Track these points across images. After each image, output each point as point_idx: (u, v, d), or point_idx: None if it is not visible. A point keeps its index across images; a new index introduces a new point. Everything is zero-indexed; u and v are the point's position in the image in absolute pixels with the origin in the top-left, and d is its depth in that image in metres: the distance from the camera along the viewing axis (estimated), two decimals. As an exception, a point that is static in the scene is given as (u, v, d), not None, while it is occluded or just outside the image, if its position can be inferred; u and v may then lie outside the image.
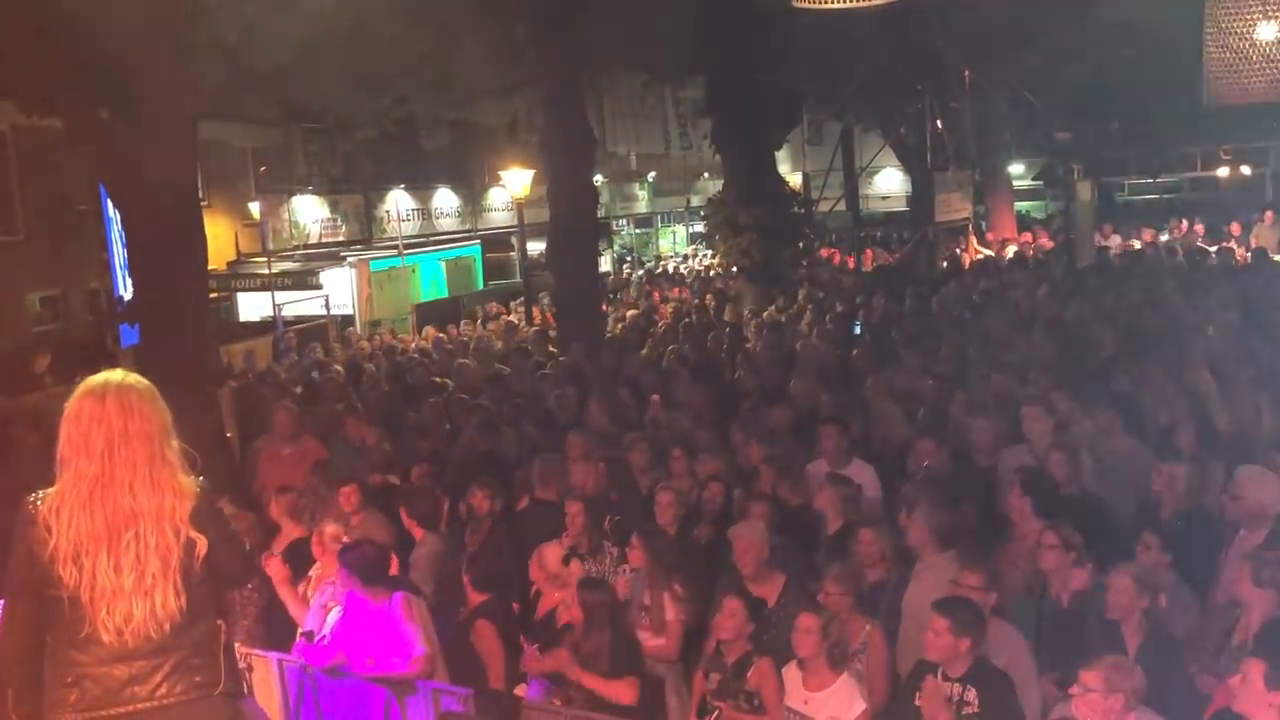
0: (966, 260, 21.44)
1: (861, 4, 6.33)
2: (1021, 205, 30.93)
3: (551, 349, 13.88)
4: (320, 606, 5.99)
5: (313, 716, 5.82)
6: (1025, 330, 11.11)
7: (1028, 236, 23.74)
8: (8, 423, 10.00)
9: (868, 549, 5.97)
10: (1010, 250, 21.88)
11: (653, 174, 37.45)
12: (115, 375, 3.41)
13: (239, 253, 23.43)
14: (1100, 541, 5.89)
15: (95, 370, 11.51)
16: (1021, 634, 5.21)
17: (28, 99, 10.39)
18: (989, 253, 21.65)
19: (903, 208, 32.00)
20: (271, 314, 19.13)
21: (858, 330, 13.03)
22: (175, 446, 3.38)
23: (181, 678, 3.30)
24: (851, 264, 22.33)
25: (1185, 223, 22.82)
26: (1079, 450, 6.84)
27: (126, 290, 14.75)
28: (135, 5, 8.77)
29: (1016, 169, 27.88)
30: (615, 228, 32.74)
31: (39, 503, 3.28)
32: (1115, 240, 21.72)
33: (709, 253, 26.88)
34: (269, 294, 19.63)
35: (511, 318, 18.84)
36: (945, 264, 20.83)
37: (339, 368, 13.43)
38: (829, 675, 5.07)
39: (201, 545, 3.30)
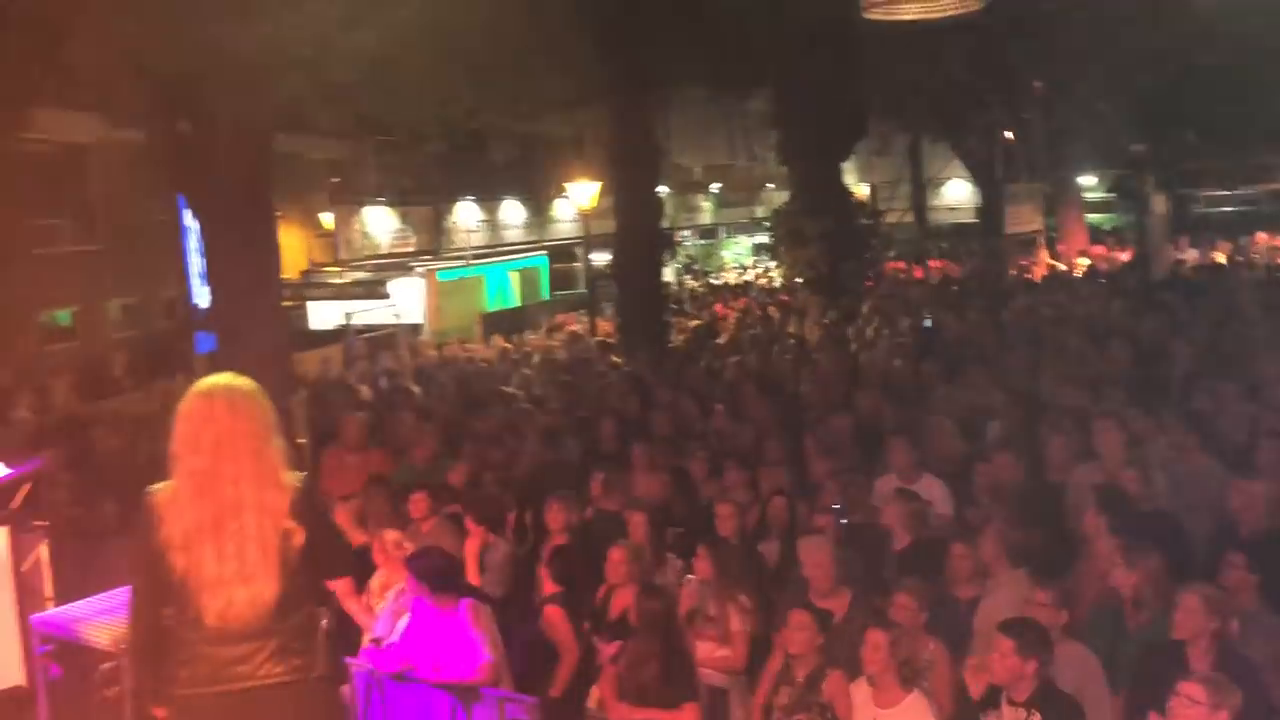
0: (1037, 273, 21.13)
1: (935, 15, 6.26)
2: (1093, 218, 30.42)
3: (615, 359, 13.94)
4: (390, 613, 6.07)
5: (380, 720, 5.89)
6: (1098, 345, 10.91)
7: (1100, 249, 23.33)
8: (89, 425, 10.28)
9: (959, 564, 5.89)
10: (1082, 263, 21.52)
11: (717, 185, 37.46)
12: (224, 378, 3.63)
13: (311, 262, 23.92)
14: (1177, 561, 5.77)
15: (171, 376, 11.84)
16: (1095, 655, 5.11)
17: (112, 112, 10.69)
18: (1060, 266, 21.31)
19: (971, 219, 31.64)
20: (342, 322, 19.46)
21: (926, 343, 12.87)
22: (278, 444, 3.57)
23: (281, 660, 3.47)
24: (919, 275, 22.10)
25: (1263, 236, 22.27)
26: (1153, 467, 6.70)
27: (203, 298, 15.11)
28: (215, 21, 9.00)
29: (1088, 181, 27.42)
30: (679, 239, 32.78)
31: (156, 493, 3.50)
32: (1191, 254, 21.27)
33: (772, 264, 26.81)
34: (340, 303, 19.98)
35: (576, 328, 18.94)
36: (1017, 276, 20.55)
37: (408, 376, 13.62)
38: (899, 692, 5.02)
39: (299, 536, 3.48)
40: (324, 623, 3.64)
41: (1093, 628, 5.42)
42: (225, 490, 3.43)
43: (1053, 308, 14.23)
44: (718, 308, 20.34)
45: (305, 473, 3.67)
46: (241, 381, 3.61)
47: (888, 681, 5.02)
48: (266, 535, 3.44)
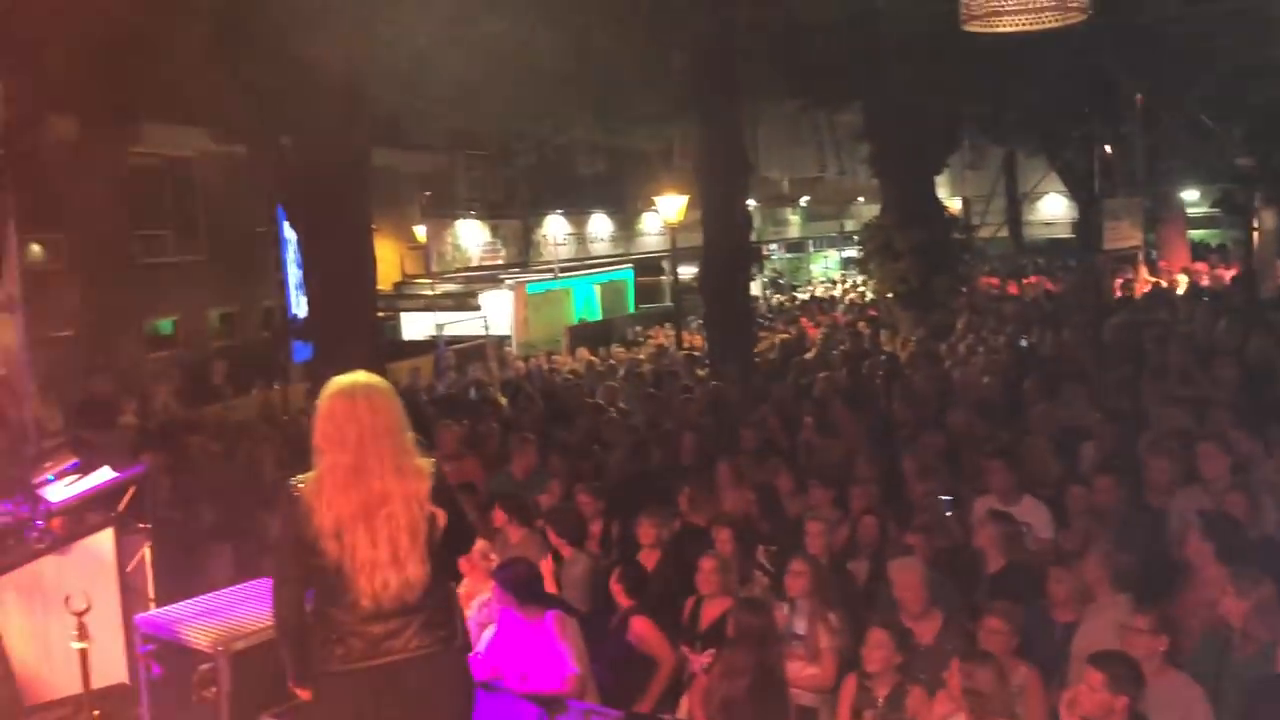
0: (1138, 290, 20.54)
1: (1035, 26, 6.12)
2: (1195, 233, 29.49)
3: (699, 372, 13.90)
4: (475, 623, 6.11)
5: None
6: (1202, 365, 10.55)
7: (1203, 266, 22.60)
8: (190, 431, 10.58)
9: (1055, 588, 5.75)
10: (1182, 280, 20.87)
11: (805, 198, 37.22)
12: (360, 377, 3.83)
13: (404, 274, 24.32)
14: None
15: (269, 383, 12.11)
16: (1201, 687, 4.92)
17: (216, 127, 11.04)
18: (1161, 283, 20.69)
19: (1067, 234, 30.93)
20: (433, 333, 19.75)
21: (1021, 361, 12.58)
22: (411, 436, 3.80)
23: (428, 633, 3.76)
24: (1014, 291, 21.66)
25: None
26: (1260, 492, 6.45)
27: (300, 308, 15.48)
28: (316, 41, 9.23)
29: (1191, 195, 26.59)
30: (766, 252, 32.64)
31: (300, 485, 3.73)
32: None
33: (860, 278, 26.52)
34: (431, 314, 20.28)
35: (662, 341, 18.96)
36: (1116, 293, 20.02)
37: (496, 388, 13.75)
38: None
39: (441, 518, 3.75)
40: (458, 597, 3.98)
41: (1198, 658, 5.23)
42: (372, 483, 3.67)
43: (1156, 326, 13.80)
44: (803, 322, 20.18)
45: (434, 459, 3.87)
46: (376, 380, 3.83)
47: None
48: (415, 521, 3.69)
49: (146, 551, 5.74)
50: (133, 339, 18.83)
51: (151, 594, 5.70)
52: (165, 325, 20.83)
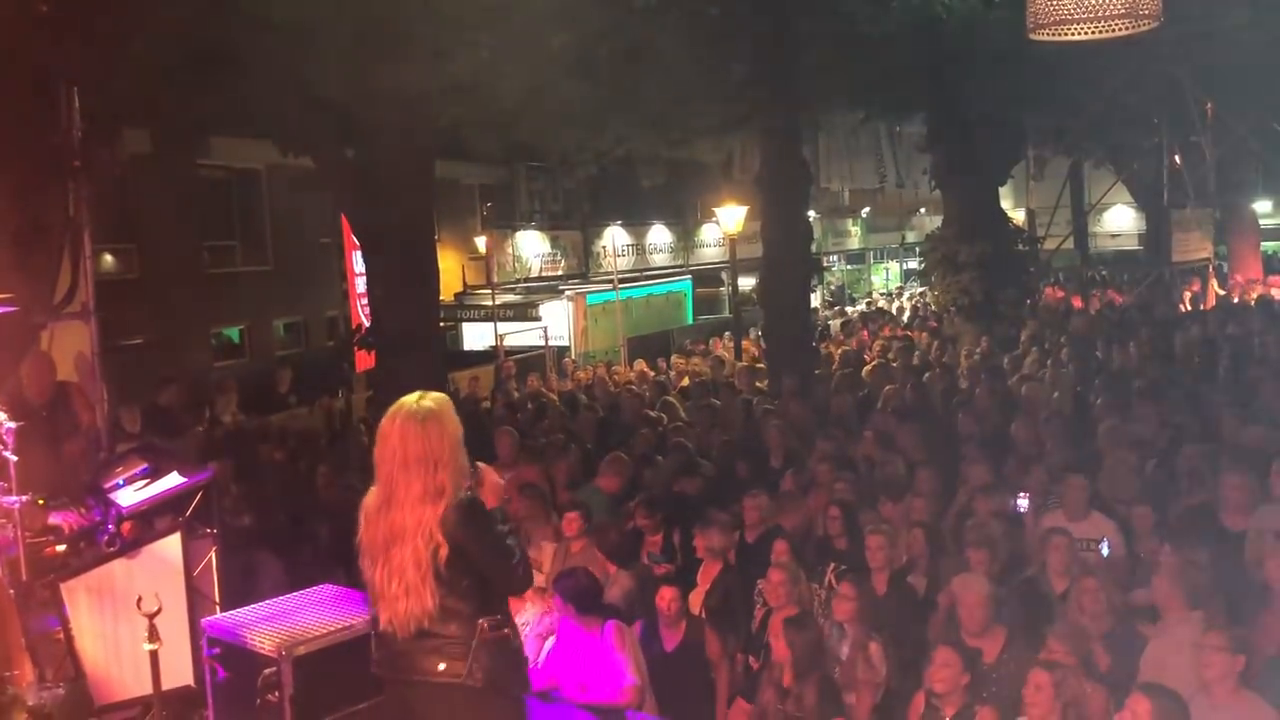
0: (1207, 303, 20.10)
1: (1103, 36, 6.01)
2: (1269, 245, 28.77)
3: (758, 385, 13.83)
4: (535, 635, 6.13)
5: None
6: (1278, 380, 10.28)
7: (1277, 280, 22.04)
8: (258, 438, 10.74)
9: (1091, 599, 5.63)
10: (1255, 293, 20.36)
11: (866, 209, 36.95)
12: (409, 402, 3.83)
13: (465, 284, 24.55)
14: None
15: (334, 392, 12.25)
16: (1275, 710, 4.78)
17: (283, 140, 11.22)
18: (1233, 296, 20.22)
19: (1135, 246, 30.41)
20: (494, 343, 19.89)
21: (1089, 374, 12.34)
22: (455, 463, 3.77)
23: (439, 661, 3.77)
24: (1078, 304, 21.31)
25: None
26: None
27: (364, 318, 15.66)
28: (382, 54, 9.37)
29: (1263, 206, 25.96)
30: (826, 264, 32.43)
31: (366, 497, 3.89)
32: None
33: (920, 290, 26.23)
34: (492, 324, 20.42)
35: (721, 352, 18.91)
36: (1186, 306, 19.60)
37: (555, 397, 13.80)
38: None
39: (444, 550, 3.70)
40: (490, 634, 3.79)
41: (1272, 681, 5.08)
42: (395, 514, 3.74)
43: (1227, 340, 13.48)
44: (864, 334, 20.01)
45: (470, 489, 3.84)
46: (424, 404, 3.80)
47: None
48: (420, 554, 3.71)
49: (213, 556, 5.83)
50: (201, 347, 19.22)
51: (217, 598, 5.79)
52: (233, 334, 21.24)
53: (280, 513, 8.24)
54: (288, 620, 4.73)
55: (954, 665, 5.17)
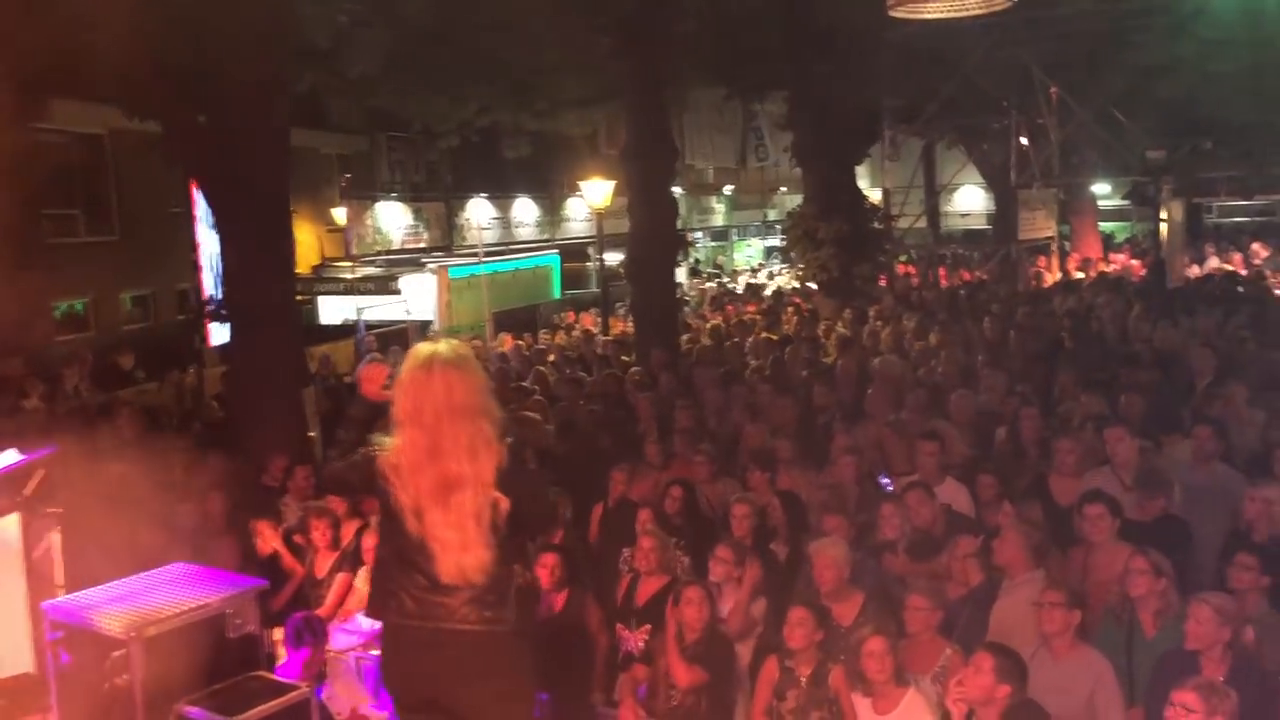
0: (1048, 280, 21.05)
1: (959, 14, 6.22)
2: (1106, 225, 30.27)
3: (625, 358, 13.91)
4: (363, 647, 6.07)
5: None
6: (1114, 352, 10.86)
7: (1123, 258, 23.22)
8: (100, 415, 10.28)
9: (959, 566, 5.87)
10: (1094, 272, 21.43)
11: (729, 187, 37.41)
12: (441, 348, 3.80)
13: (322, 257, 23.92)
14: (1185, 568, 5.74)
15: (183, 368, 11.80)
16: (1109, 661, 5.07)
17: (129, 104, 10.68)
18: (1079, 274, 21.23)
19: (983, 226, 31.54)
20: (352, 318, 19.45)
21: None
22: (492, 411, 3.77)
23: (475, 609, 3.77)
24: (932, 280, 22.07)
25: (1258, 245, 22.31)
26: (1166, 474, 6.65)
27: (216, 290, 15.11)
28: (235, 12, 9.00)
29: (1101, 189, 27.30)
30: (692, 239, 32.75)
31: (382, 457, 3.77)
32: (1213, 262, 21.21)
33: (782, 267, 26.73)
34: (351, 298, 19.95)
35: (589, 326, 18.93)
36: (1032, 283, 20.47)
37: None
38: (896, 694, 4.99)
39: (504, 504, 3.74)
40: (519, 580, 3.88)
41: (1104, 635, 5.38)
42: (449, 465, 3.69)
43: (1067, 315, 14.16)
44: (728, 308, 20.30)
45: (511, 439, 3.81)
46: (456, 353, 3.79)
47: (886, 688, 4.99)
48: (481, 507, 3.71)
49: (55, 537, 5.56)
50: (42, 321, 18.25)
51: (60, 580, 5.52)
52: (77, 306, 20.24)
53: (130, 491, 7.93)
54: (138, 601, 4.56)
55: (808, 624, 5.32)
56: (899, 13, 6.44)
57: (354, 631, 6.35)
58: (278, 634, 5.98)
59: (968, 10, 6.00)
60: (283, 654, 5.95)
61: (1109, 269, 21.92)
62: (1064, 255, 23.45)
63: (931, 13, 6.16)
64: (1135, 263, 22.88)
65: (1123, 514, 5.97)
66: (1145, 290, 16.76)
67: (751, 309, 19.37)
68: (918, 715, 4.92)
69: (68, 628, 4.51)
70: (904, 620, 5.38)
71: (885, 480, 7.40)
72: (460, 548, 3.71)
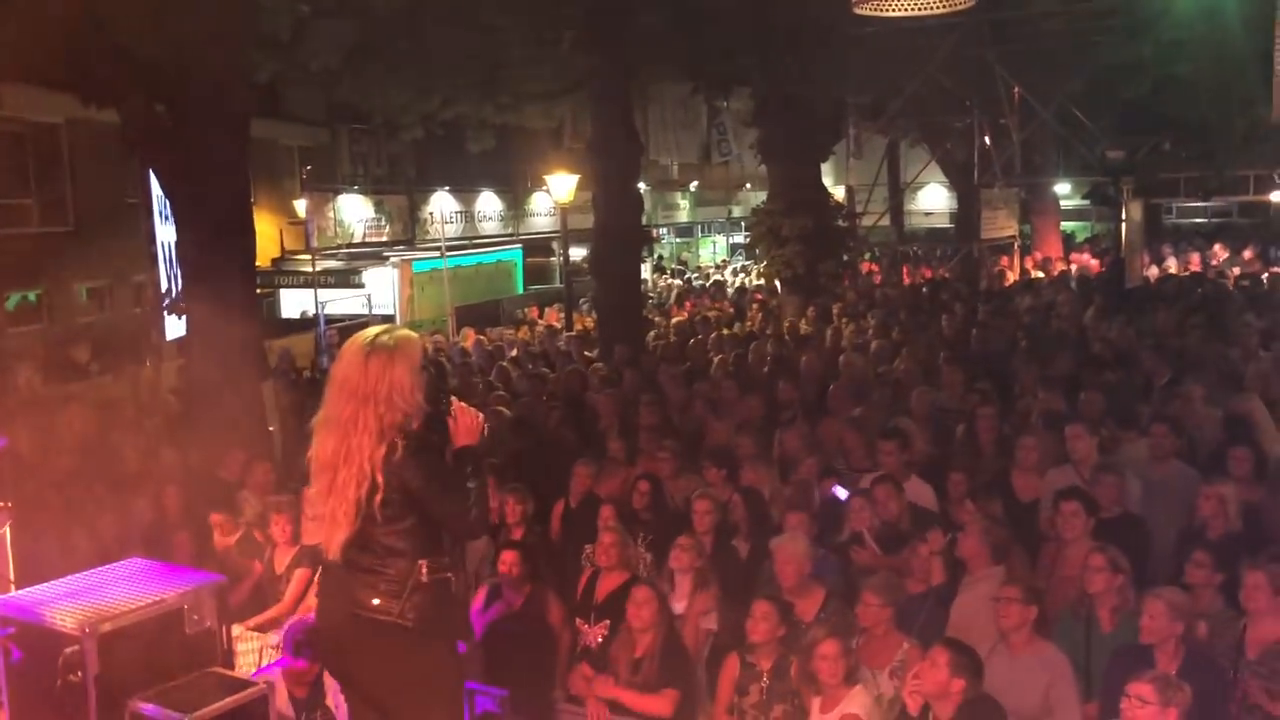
0: (1010, 278, 21.25)
1: (924, 12, 6.25)
2: (1067, 225, 30.58)
3: (587, 354, 13.88)
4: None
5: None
6: (1073, 351, 10.97)
7: (1084, 258, 23.45)
8: (54, 408, 10.12)
9: (922, 563, 5.90)
10: (1056, 270, 21.65)
11: (694, 183, 37.44)
12: (370, 333, 3.82)
13: (283, 250, 23.66)
14: (1142, 565, 5.81)
15: (140, 361, 11.65)
16: (1066, 656, 5.12)
17: (86, 92, 10.50)
18: (1038, 273, 21.44)
19: (946, 224, 31.79)
20: (312, 311, 19.29)
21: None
22: (408, 398, 3.68)
23: (372, 597, 3.73)
24: (895, 278, 22.22)
25: (1218, 247, 22.64)
26: (1125, 472, 6.73)
27: (174, 283, 14.90)
28: (194, 1, 8.88)
29: (1063, 188, 27.59)
30: (657, 235, 32.75)
31: (314, 421, 3.83)
32: (1171, 262, 21.49)
33: (746, 263, 26.78)
34: (312, 291, 19.78)
35: (553, 321, 18.88)
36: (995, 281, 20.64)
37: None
38: (843, 691, 5.00)
39: (381, 490, 3.65)
40: (428, 576, 3.74)
41: (1063, 631, 5.43)
42: (335, 438, 3.70)
43: (1026, 313, 14.30)
44: (689, 305, 20.32)
45: (419, 428, 3.73)
46: (380, 339, 3.75)
47: (837, 691, 4.99)
48: (353, 486, 3.66)
49: (6, 531, 5.46)
50: (-9, 312, 17.95)
51: (11, 576, 5.42)
52: (30, 298, 19.89)
53: (84, 485, 7.81)
54: (92, 596, 4.48)
55: (771, 618, 5.33)
56: (863, 10, 6.47)
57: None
58: (236, 629, 5.90)
59: (931, 9, 6.03)
60: (271, 655, 5.88)
61: (1069, 268, 22.14)
62: (1025, 253, 23.69)
63: (895, 10, 6.20)
64: (1094, 262, 23.15)
65: (1098, 512, 6.02)
66: (1103, 288, 16.94)
67: (715, 306, 19.41)
68: (858, 708, 4.93)
69: (19, 624, 4.42)
70: (857, 616, 5.41)
71: (838, 489, 7.34)
72: (331, 521, 3.74)
